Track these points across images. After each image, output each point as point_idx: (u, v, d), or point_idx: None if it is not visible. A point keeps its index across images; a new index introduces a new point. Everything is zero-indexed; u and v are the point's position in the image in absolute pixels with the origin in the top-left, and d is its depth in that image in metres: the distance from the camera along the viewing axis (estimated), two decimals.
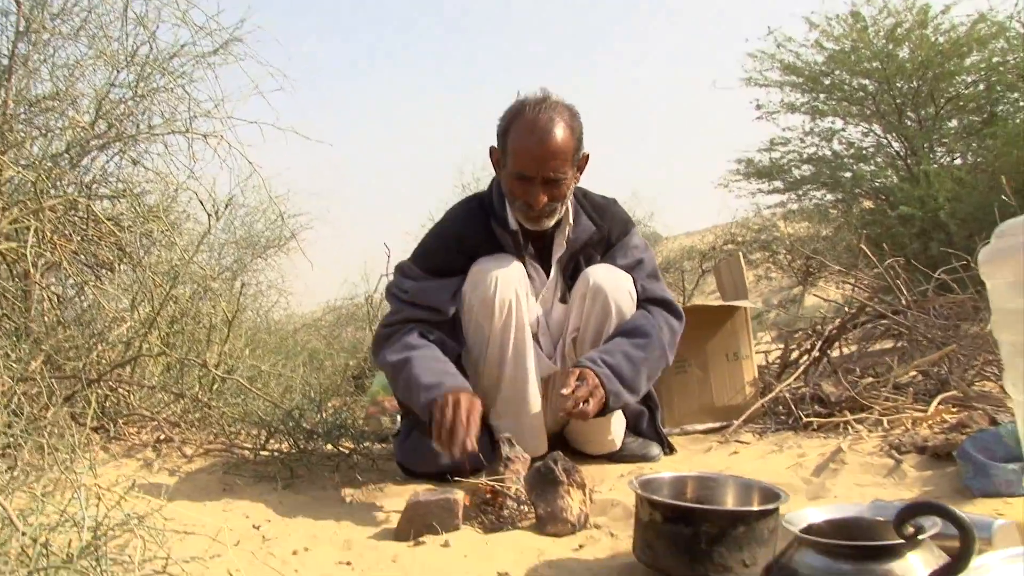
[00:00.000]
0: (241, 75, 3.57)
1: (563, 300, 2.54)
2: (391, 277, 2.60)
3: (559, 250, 2.51)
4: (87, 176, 3.28)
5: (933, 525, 1.25)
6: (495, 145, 2.45)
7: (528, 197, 2.33)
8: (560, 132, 2.31)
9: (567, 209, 2.47)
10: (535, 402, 2.44)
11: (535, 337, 2.49)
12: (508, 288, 2.37)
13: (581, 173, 2.48)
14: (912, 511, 1.09)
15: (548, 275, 2.54)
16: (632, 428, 2.64)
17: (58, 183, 3.01)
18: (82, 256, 3.11)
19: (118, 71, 3.14)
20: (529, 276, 2.48)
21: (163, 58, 3.32)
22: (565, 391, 2.13)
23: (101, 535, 1.44)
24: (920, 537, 1.21)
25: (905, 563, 1.20)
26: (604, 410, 2.26)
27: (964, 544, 1.02)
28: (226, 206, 3.06)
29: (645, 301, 2.51)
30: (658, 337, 2.42)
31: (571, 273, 2.53)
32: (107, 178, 3.40)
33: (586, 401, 2.16)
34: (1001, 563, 1.06)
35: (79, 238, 2.99)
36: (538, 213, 2.36)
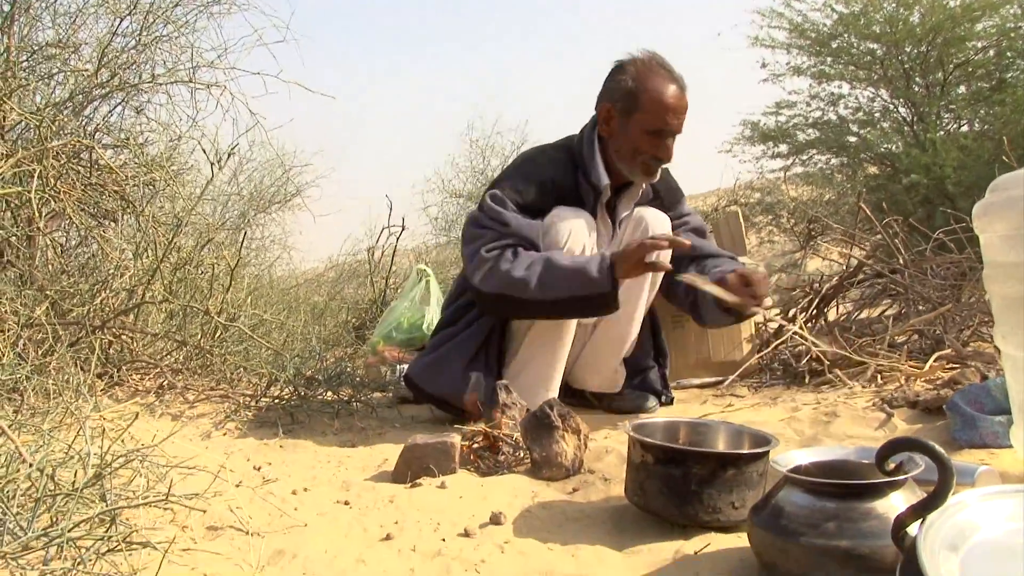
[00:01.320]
0: (244, 26, 3.56)
1: None
2: (394, 230, 2.62)
3: (625, 210, 2.61)
4: (90, 125, 3.28)
5: (916, 466, 1.28)
6: (610, 104, 2.49)
7: (660, 151, 2.46)
8: (686, 90, 2.48)
9: None
10: (564, 353, 2.54)
11: None
12: (577, 244, 2.44)
13: None
14: (893, 447, 1.12)
15: (612, 235, 2.63)
16: (640, 379, 2.71)
17: (61, 131, 3.02)
18: (86, 206, 3.12)
19: (121, 19, 3.13)
20: (598, 231, 2.55)
21: (167, 6, 3.31)
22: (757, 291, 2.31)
23: (105, 467, 1.47)
24: (902, 476, 1.24)
25: (887, 501, 1.23)
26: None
27: (942, 478, 1.04)
28: (228, 155, 3.05)
29: (706, 256, 2.60)
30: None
31: None
32: (110, 128, 3.41)
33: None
34: (978, 500, 1.08)
35: (83, 186, 3.00)
36: (659, 165, 2.50)
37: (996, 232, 1.71)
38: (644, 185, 2.59)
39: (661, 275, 2.57)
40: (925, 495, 1.20)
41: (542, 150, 2.67)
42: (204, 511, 1.59)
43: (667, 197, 2.69)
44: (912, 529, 1.06)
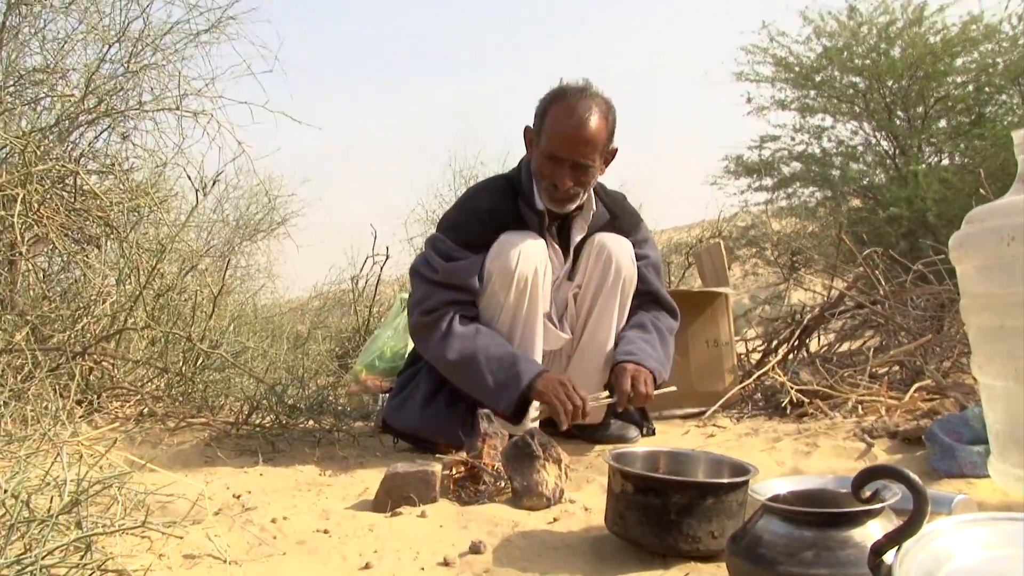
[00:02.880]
0: (233, 55, 3.59)
1: (571, 279, 2.63)
2: (378, 259, 2.65)
3: (579, 234, 2.60)
4: (75, 151, 3.29)
5: (893, 495, 1.28)
6: (529, 125, 2.54)
7: (556, 178, 2.43)
8: (595, 120, 2.41)
9: (589, 196, 2.57)
10: None
11: (546, 315, 2.56)
12: (529, 265, 2.44)
13: (607, 166, 2.57)
14: (869, 475, 1.12)
15: (566, 259, 2.62)
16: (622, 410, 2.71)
17: (46, 156, 3.02)
18: (69, 231, 3.12)
19: (109, 46, 3.15)
20: (549, 257, 2.55)
21: (155, 35, 3.33)
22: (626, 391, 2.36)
23: (81, 494, 1.46)
24: (879, 505, 1.24)
25: (864, 530, 1.24)
26: (656, 384, 2.47)
27: (917, 506, 1.05)
28: (214, 183, 3.07)
29: (643, 293, 2.64)
30: (656, 327, 2.60)
31: None
32: (96, 154, 3.41)
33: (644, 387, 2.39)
34: (952, 528, 1.09)
35: (66, 211, 3.00)
36: (562, 195, 2.46)
37: (972, 263, 1.73)
38: (595, 208, 2.59)
39: (630, 298, 2.60)
40: (900, 522, 1.20)
41: (482, 183, 2.71)
42: (181, 538, 1.58)
43: (624, 221, 2.67)
44: (888, 557, 1.06)
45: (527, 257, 2.43)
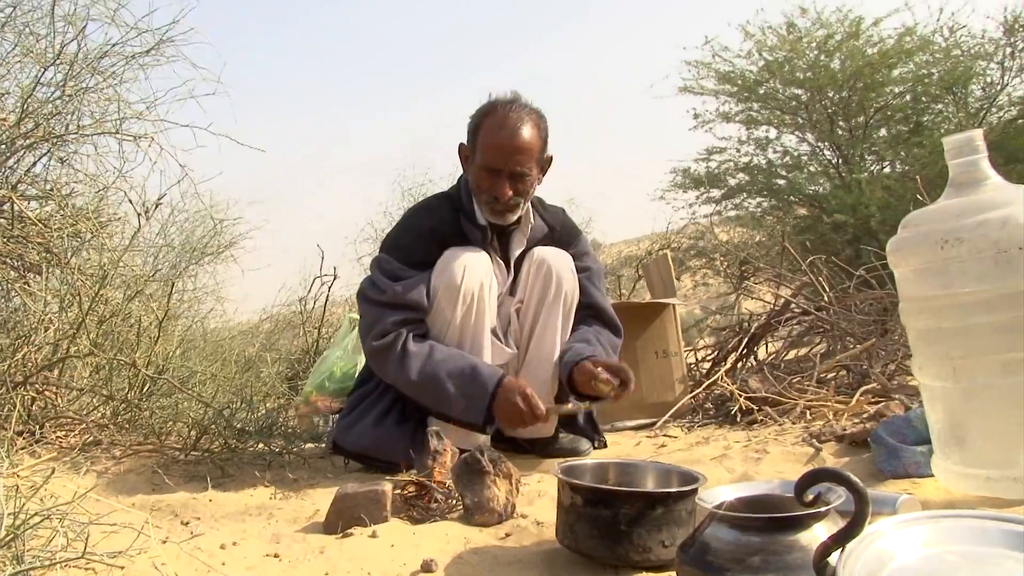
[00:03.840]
0: (174, 78, 3.55)
1: (512, 293, 2.64)
2: (326, 279, 2.63)
3: (518, 248, 2.62)
4: (12, 176, 3.21)
5: (838, 497, 1.30)
6: (464, 143, 2.56)
7: (495, 190, 2.45)
8: (528, 130, 2.45)
9: (527, 210, 2.59)
10: None
11: (492, 330, 2.57)
12: (475, 278, 2.44)
13: (544, 174, 2.59)
14: (811, 478, 1.14)
15: (507, 272, 2.63)
16: (570, 422, 2.71)
17: None
18: (8, 259, 3.05)
19: (44, 69, 3.08)
20: (494, 272, 2.56)
21: (92, 57, 3.27)
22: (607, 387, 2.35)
23: (19, 526, 1.43)
24: (824, 508, 1.26)
25: (811, 533, 1.25)
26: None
27: (858, 508, 1.06)
28: (156, 206, 3.02)
29: (586, 307, 2.65)
30: (599, 341, 2.60)
31: None
32: (34, 179, 3.34)
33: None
34: (894, 528, 1.11)
35: (4, 239, 2.94)
36: (503, 206, 2.48)
37: (909, 267, 1.77)
38: (533, 221, 2.62)
39: (573, 310, 2.62)
40: (845, 525, 1.22)
41: (423, 202, 2.73)
42: (123, 568, 1.54)
43: (563, 235, 2.71)
44: (833, 559, 1.08)
45: (472, 271, 2.44)
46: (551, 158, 2.58)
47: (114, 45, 3.24)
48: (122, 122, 3.30)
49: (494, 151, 2.44)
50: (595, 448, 2.72)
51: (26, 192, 3.29)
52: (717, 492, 1.43)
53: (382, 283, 2.48)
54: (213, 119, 3.30)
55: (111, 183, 3.27)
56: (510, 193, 2.45)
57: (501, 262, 2.61)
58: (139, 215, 2.99)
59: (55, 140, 3.26)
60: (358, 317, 2.81)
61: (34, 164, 3.35)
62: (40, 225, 3.03)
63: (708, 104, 9.30)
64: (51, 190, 3.24)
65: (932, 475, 1.85)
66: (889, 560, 1.08)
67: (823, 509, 1.26)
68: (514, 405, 2.31)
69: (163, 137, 3.27)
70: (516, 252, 2.61)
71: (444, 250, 2.49)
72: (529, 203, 2.58)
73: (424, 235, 2.54)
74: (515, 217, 2.55)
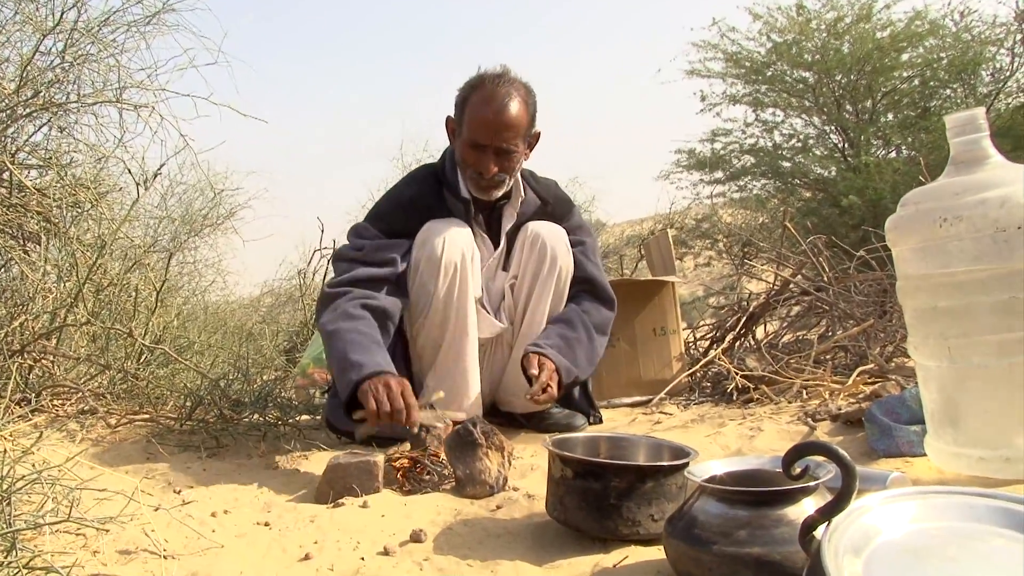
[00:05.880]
0: (175, 47, 3.53)
1: (506, 268, 2.63)
2: (326, 252, 2.63)
3: (509, 222, 2.60)
4: (12, 145, 3.20)
5: (828, 473, 1.29)
6: (451, 115, 2.53)
7: (480, 165, 2.43)
8: (515, 106, 2.42)
9: (517, 183, 2.57)
10: (473, 365, 2.52)
11: (479, 302, 2.56)
12: (455, 250, 2.43)
13: (531, 150, 2.57)
14: (798, 452, 1.13)
15: (496, 247, 2.62)
16: (565, 398, 2.71)
17: None
18: (7, 227, 3.05)
19: (44, 36, 3.07)
20: (477, 246, 2.55)
21: (93, 25, 3.25)
22: (534, 387, 2.29)
23: (7, 488, 1.43)
24: (813, 483, 1.25)
25: (799, 508, 1.25)
26: (561, 385, 2.39)
27: (845, 481, 1.06)
28: (155, 176, 3.01)
29: (580, 281, 2.63)
30: (584, 323, 2.56)
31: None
32: (35, 147, 3.33)
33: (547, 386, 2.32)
34: (880, 503, 1.10)
35: (3, 208, 2.93)
36: (488, 182, 2.46)
37: (907, 245, 1.76)
38: (524, 195, 2.60)
39: (567, 286, 2.60)
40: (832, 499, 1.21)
41: (408, 175, 2.71)
42: (107, 531, 1.55)
43: (557, 208, 2.68)
44: (819, 533, 1.07)
45: (453, 243, 2.43)
46: (539, 134, 2.55)
47: (115, 13, 3.22)
48: (122, 91, 3.29)
49: (480, 127, 2.41)
50: (591, 424, 2.72)
51: (25, 161, 3.28)
52: (707, 466, 1.43)
53: (356, 244, 2.48)
54: (213, 89, 3.29)
55: (110, 152, 3.25)
56: (495, 169, 2.43)
57: (486, 236, 2.61)
58: (138, 185, 2.97)
59: (55, 109, 3.24)
60: None
61: (34, 133, 3.35)
62: (39, 194, 3.03)
63: (715, 86, 9.25)
64: (50, 159, 3.23)
65: (925, 454, 1.85)
66: (875, 535, 1.07)
67: (811, 484, 1.26)
68: (379, 389, 2.08)
69: (164, 107, 3.26)
70: (507, 226, 2.61)
71: (423, 222, 2.48)
72: (519, 177, 2.57)
73: (405, 205, 2.53)
74: (500, 193, 2.53)
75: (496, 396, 2.71)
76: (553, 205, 2.67)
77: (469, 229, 2.51)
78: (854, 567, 1.00)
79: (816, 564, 1.01)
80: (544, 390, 2.30)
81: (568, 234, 2.63)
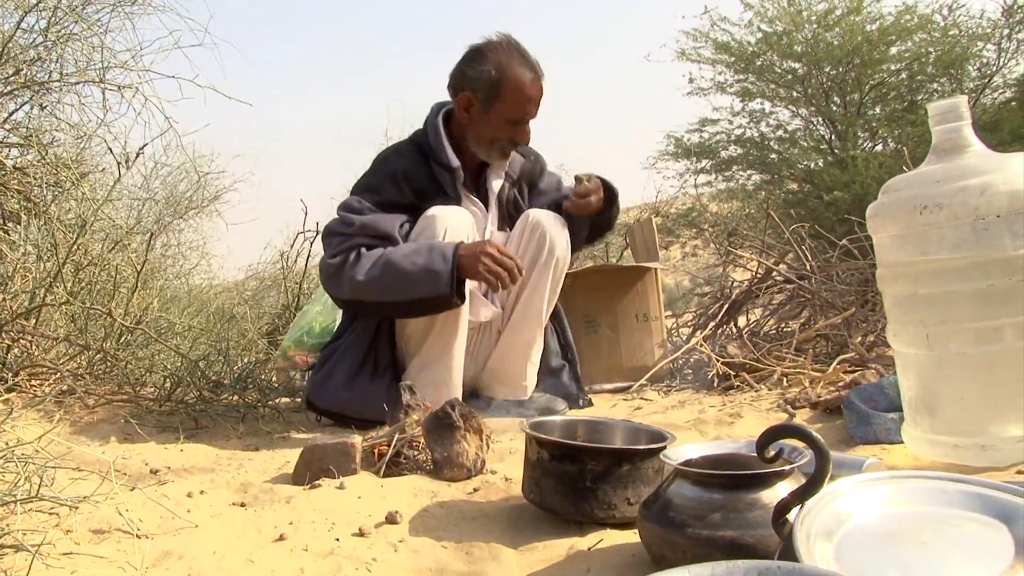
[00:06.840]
0: (160, 29, 3.49)
1: (500, 228, 2.67)
2: (309, 235, 2.62)
3: (497, 182, 2.67)
4: None
5: (803, 457, 1.29)
6: (471, 93, 2.53)
7: (521, 137, 2.55)
8: (543, 76, 2.58)
9: None
10: (459, 354, 2.52)
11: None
12: (456, 237, 2.44)
13: None
14: (772, 434, 1.13)
15: (486, 209, 2.67)
16: (553, 382, 2.72)
17: None
18: None
19: (26, 13, 3.03)
20: (472, 212, 2.58)
21: (77, 4, 3.22)
22: (579, 187, 2.53)
23: None
24: (787, 467, 1.25)
25: (774, 491, 1.24)
26: (608, 205, 2.64)
27: (819, 465, 1.05)
28: (137, 156, 2.98)
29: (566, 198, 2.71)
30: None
31: (512, 207, 2.72)
32: (15, 127, 3.30)
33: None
34: (854, 487, 1.10)
35: None
36: (516, 148, 2.60)
37: (887, 232, 1.76)
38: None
39: (562, 277, 2.62)
40: (805, 482, 1.21)
41: (391, 148, 2.71)
42: (79, 509, 1.53)
43: (537, 163, 2.79)
44: (792, 516, 1.07)
45: (455, 231, 2.43)
46: None
47: None
48: (106, 71, 3.26)
49: (527, 103, 2.51)
50: (581, 408, 2.73)
51: (6, 140, 3.25)
52: (683, 450, 1.42)
53: (349, 219, 2.47)
54: (198, 70, 3.26)
55: (93, 132, 3.23)
56: (530, 135, 2.56)
57: (477, 200, 2.65)
58: (119, 165, 2.95)
59: (37, 87, 3.21)
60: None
61: (15, 111, 3.31)
62: (19, 173, 3.00)
63: (705, 72, 9.23)
64: (31, 137, 3.20)
65: (902, 442, 1.85)
66: (848, 519, 1.07)
67: (786, 468, 1.25)
68: (478, 255, 2.33)
69: (148, 88, 3.23)
70: (496, 187, 2.66)
71: (414, 193, 2.50)
72: None
73: (396, 178, 2.53)
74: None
75: (478, 381, 2.70)
76: (534, 161, 2.77)
77: (469, 215, 2.53)
78: (825, 551, 1.00)
79: (788, 547, 1.00)
80: (585, 196, 2.51)
81: (549, 183, 2.79)
